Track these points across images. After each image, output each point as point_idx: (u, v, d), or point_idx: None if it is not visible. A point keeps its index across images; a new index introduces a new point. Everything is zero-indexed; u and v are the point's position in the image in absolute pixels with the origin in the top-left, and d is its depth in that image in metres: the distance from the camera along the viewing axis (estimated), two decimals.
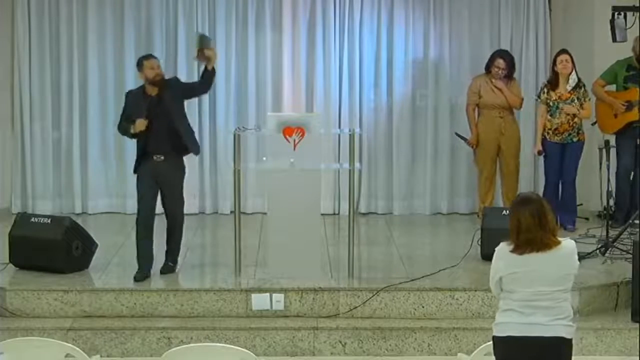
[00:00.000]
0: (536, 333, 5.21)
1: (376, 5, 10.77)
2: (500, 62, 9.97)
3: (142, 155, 8.04)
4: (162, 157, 8.01)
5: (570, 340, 5.29)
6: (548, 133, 9.64)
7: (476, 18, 10.85)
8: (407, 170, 10.94)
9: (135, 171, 8.15)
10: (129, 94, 8.30)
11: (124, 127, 8.16)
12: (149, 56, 8.27)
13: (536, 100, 10.00)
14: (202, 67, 8.17)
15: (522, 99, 10.08)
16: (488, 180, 10.16)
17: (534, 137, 10.04)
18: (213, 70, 8.06)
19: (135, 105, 8.08)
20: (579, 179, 9.89)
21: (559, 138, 9.63)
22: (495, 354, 5.36)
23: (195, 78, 9.18)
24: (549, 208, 5.28)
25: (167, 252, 8.26)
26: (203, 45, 8.01)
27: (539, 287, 5.21)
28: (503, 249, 5.32)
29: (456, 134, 10.48)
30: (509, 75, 10.05)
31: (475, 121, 10.17)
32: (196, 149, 8.30)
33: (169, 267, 8.20)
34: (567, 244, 5.29)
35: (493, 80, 9.99)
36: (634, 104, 9.62)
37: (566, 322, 5.26)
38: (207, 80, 8.12)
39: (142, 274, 7.99)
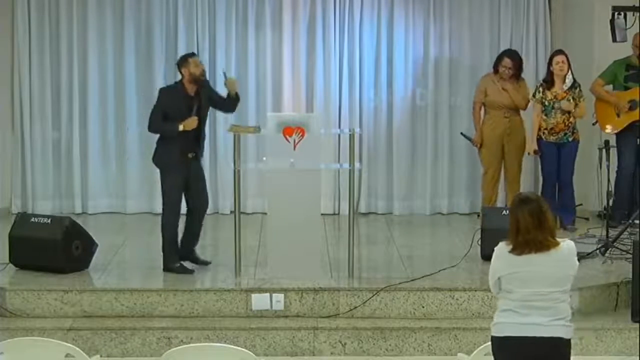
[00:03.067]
0: (534, 333, 5.20)
1: (376, 5, 10.77)
2: (507, 62, 9.96)
3: (176, 153, 8.06)
4: (194, 154, 8.19)
5: (568, 341, 5.28)
6: (544, 133, 9.62)
7: (476, 18, 10.84)
8: (407, 170, 10.93)
9: (165, 167, 8.15)
10: (164, 92, 8.22)
11: (164, 127, 8.06)
12: (193, 54, 8.33)
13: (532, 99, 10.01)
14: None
15: (529, 100, 10.04)
16: (493, 180, 10.13)
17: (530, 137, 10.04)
18: (237, 96, 8.25)
19: (173, 103, 8.06)
20: (579, 179, 9.88)
21: (554, 138, 9.61)
22: (493, 354, 5.35)
23: None
24: (547, 208, 5.27)
25: (192, 244, 8.50)
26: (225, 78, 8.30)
27: (537, 288, 5.20)
28: (502, 249, 5.31)
29: (461, 134, 10.47)
30: (516, 75, 10.04)
31: (480, 120, 10.16)
32: (202, 153, 8.47)
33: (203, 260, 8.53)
34: (567, 245, 5.28)
35: (500, 80, 9.99)
36: (637, 102, 9.62)
37: (564, 322, 5.25)
38: (231, 102, 8.30)
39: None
